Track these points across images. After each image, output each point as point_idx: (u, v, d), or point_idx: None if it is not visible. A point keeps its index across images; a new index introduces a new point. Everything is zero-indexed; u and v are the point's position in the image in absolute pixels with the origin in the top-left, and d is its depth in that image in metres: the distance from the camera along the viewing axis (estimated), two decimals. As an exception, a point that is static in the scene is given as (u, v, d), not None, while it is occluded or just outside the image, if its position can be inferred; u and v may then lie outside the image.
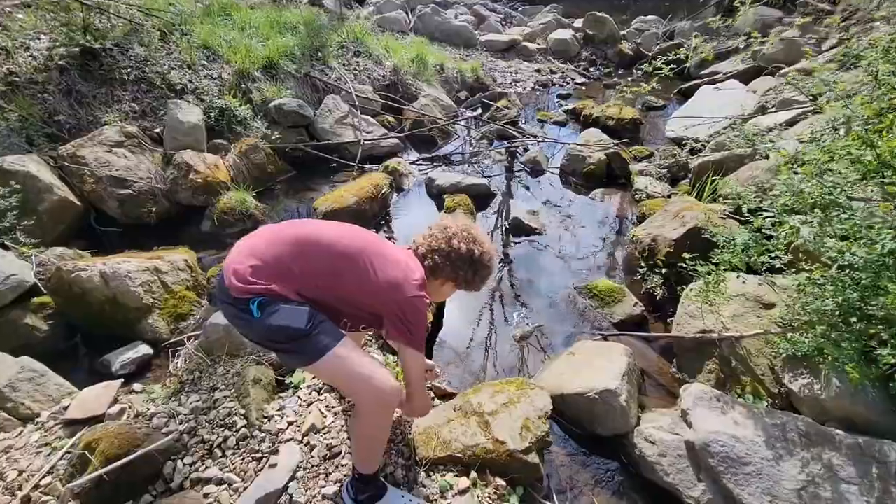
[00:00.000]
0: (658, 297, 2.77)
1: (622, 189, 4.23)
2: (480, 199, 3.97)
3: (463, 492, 1.60)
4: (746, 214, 1.95)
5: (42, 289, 2.53)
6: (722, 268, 2.03)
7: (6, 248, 2.71)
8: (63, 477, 1.66)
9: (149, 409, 1.97)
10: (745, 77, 5.89)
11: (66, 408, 1.92)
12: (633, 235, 3.19)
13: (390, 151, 4.82)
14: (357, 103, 5.05)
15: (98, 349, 2.42)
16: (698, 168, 3.56)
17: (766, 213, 1.81)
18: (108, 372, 2.28)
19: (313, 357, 1.32)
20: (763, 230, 1.83)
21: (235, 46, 4.82)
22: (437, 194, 4.00)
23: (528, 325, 2.66)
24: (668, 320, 2.65)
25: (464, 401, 1.94)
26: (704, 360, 2.23)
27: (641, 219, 3.51)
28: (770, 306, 2.20)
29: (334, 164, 4.52)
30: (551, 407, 1.94)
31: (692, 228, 2.70)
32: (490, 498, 1.62)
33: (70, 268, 2.43)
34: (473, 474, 1.66)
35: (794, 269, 1.92)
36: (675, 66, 3.47)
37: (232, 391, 1.99)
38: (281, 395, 2.06)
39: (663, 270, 2.80)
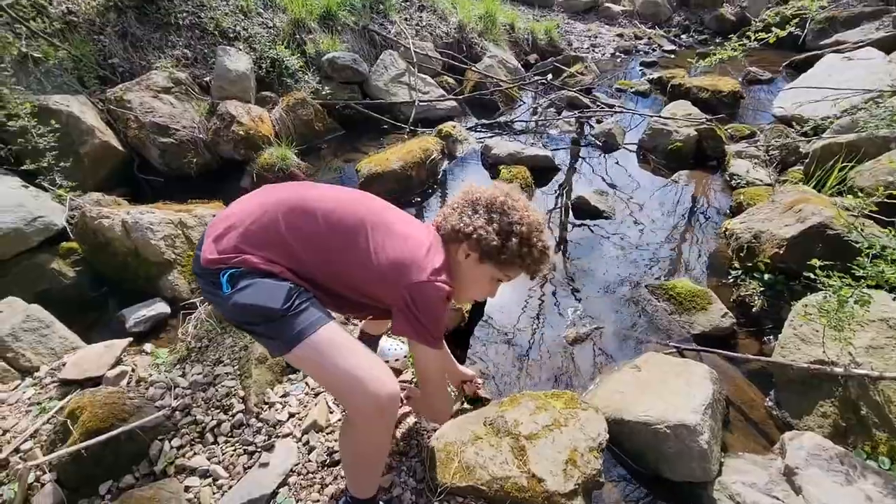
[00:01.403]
0: (754, 309, 2.23)
1: (713, 172, 3.58)
2: (541, 172, 3.50)
3: (483, 537, 1.27)
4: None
5: (70, 234, 2.44)
6: (866, 283, 1.49)
7: (44, 189, 2.65)
8: (44, 444, 1.51)
9: (150, 375, 1.79)
10: (883, 45, 4.82)
11: (64, 364, 1.77)
12: (726, 229, 2.61)
13: (447, 115, 4.42)
14: (415, 61, 4.65)
15: (124, 302, 2.29)
16: (820, 152, 2.86)
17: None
18: (123, 328, 2.15)
19: (287, 344, 1.03)
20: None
21: (294, -7, 4.55)
22: (492, 164, 3.57)
23: (583, 325, 2.23)
24: (766, 339, 2.13)
25: (497, 413, 1.58)
26: (817, 400, 1.71)
27: (737, 210, 2.90)
28: (925, 340, 1.63)
29: (385, 126, 4.19)
30: (607, 436, 1.53)
31: (815, 227, 2.11)
32: (517, 549, 1.27)
33: (94, 214, 2.30)
34: (499, 515, 1.31)
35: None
36: (790, 26, 2.72)
37: (235, 368, 1.76)
38: (290, 376, 1.81)
39: (765, 276, 2.25)
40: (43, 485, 1.41)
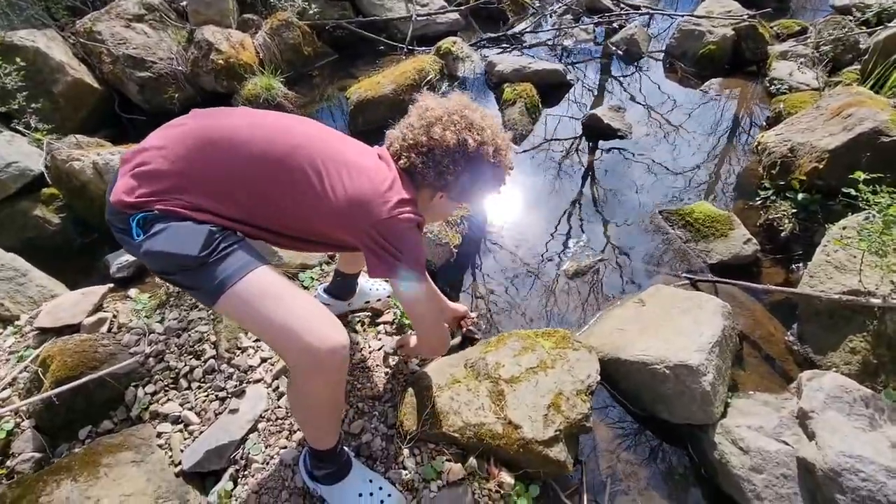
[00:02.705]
0: (783, 233, 1.97)
1: (751, 79, 3.13)
2: (550, 89, 3.13)
3: (453, 484, 1.19)
4: None
5: (48, 179, 2.35)
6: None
7: (21, 133, 2.54)
8: (21, 392, 1.50)
9: (130, 321, 1.75)
10: None
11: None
12: (759, 143, 2.28)
13: (448, 30, 3.98)
14: (412, -33, 4.12)
15: (115, 247, 2.24)
16: (883, 44, 2.39)
17: None
18: (108, 274, 2.11)
19: (211, 296, 0.90)
20: None
21: None
22: (496, 83, 3.22)
23: (585, 257, 2.04)
24: (793, 267, 1.89)
25: (479, 355, 1.46)
26: (846, 334, 1.51)
27: (775, 121, 2.53)
28: None
29: (381, 47, 3.82)
30: (598, 378, 1.40)
31: (865, 134, 1.78)
32: (490, 497, 1.20)
33: (64, 157, 2.19)
34: (472, 461, 1.23)
35: None
36: None
37: (209, 313, 1.69)
38: (270, 319, 1.74)
39: (800, 196, 1.97)
40: (22, 431, 1.41)
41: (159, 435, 1.39)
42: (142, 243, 0.90)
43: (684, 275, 1.91)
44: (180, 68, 3.13)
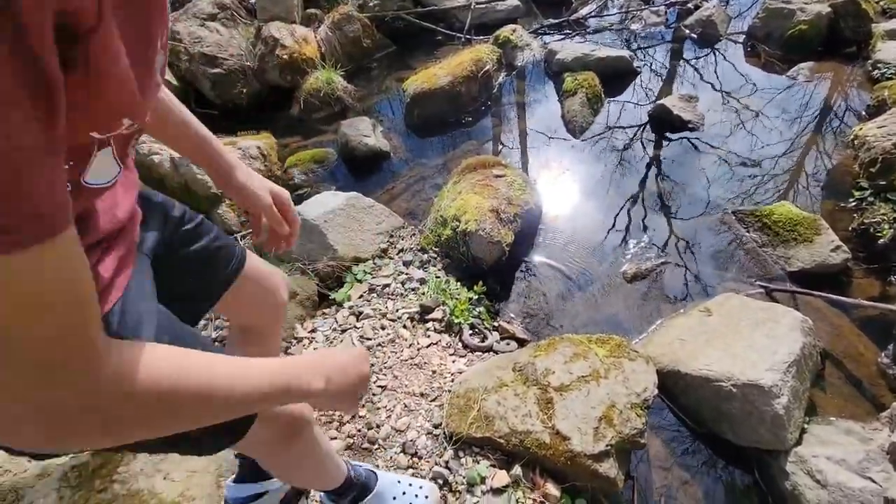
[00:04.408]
0: (881, 241, 1.75)
1: (849, 62, 2.78)
2: (614, 78, 2.96)
3: (497, 491, 1.18)
4: None
5: (133, 171, 2.56)
6: None
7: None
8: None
9: (200, 307, 1.89)
10: None
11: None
12: (856, 136, 2.03)
13: (508, 18, 3.87)
14: (472, -47, 4.03)
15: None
16: None
17: None
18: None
19: None
20: None
21: None
22: (556, 73, 3.10)
23: (647, 259, 1.93)
24: (892, 279, 1.68)
25: (528, 359, 1.43)
26: (956, 361, 1.32)
27: (877, 111, 2.24)
28: None
29: (440, 37, 3.79)
30: (655, 392, 1.32)
31: None
32: (534, 507, 1.17)
33: (145, 151, 2.37)
34: (517, 469, 1.21)
35: None
36: None
37: (268, 302, 1.78)
38: (325, 311, 1.80)
39: (904, 198, 1.73)
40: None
41: (222, 416, 1.49)
42: None
43: (759, 283, 1.75)
44: (248, 64, 3.28)
